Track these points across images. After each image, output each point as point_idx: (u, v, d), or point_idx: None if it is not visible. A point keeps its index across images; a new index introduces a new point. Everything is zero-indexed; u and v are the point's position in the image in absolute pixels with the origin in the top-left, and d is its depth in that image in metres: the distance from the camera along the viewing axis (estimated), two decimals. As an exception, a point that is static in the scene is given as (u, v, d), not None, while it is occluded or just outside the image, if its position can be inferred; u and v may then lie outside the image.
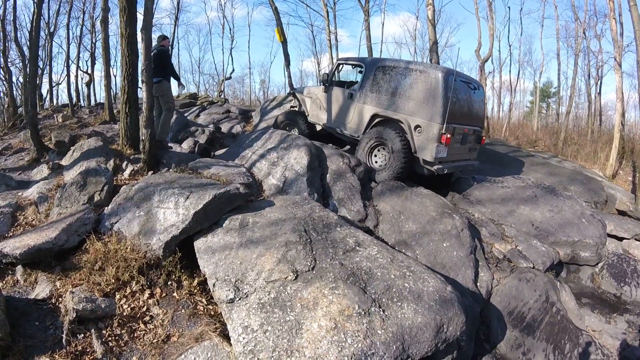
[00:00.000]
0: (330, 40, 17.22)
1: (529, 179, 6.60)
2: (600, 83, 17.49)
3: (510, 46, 24.11)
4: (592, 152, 11.76)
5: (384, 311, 2.68)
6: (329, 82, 6.80)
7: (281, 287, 2.81)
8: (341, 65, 7.14)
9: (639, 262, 5.54)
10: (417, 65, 5.68)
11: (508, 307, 4.25)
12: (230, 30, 32.43)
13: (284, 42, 13.05)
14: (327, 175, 5.49)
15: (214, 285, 2.99)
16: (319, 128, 7.35)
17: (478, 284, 4.36)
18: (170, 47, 6.54)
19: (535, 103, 24.23)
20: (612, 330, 4.72)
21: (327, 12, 16.81)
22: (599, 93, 17.62)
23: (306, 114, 7.37)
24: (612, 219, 6.52)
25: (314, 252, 3.17)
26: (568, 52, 20.83)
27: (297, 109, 7.71)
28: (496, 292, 4.40)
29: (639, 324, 4.85)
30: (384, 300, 2.77)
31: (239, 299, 2.79)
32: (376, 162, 5.89)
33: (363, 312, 2.60)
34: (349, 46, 60.90)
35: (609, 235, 5.93)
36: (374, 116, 5.92)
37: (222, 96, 18.88)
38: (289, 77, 13.94)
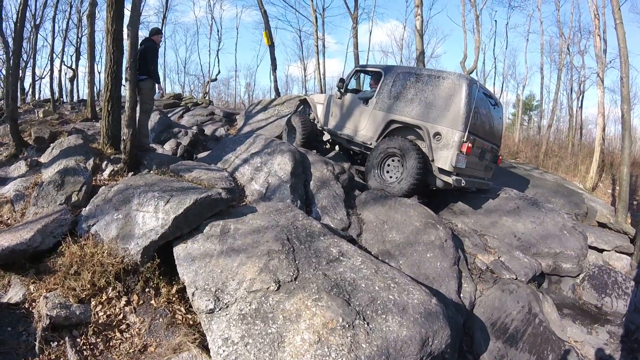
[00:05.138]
0: (317, 46, 17.24)
1: (512, 190, 6.66)
2: (582, 97, 18.00)
3: (495, 59, 24.53)
4: (572, 165, 12.01)
5: (368, 324, 2.62)
6: (344, 88, 6.68)
7: (263, 298, 2.72)
8: (359, 73, 7.07)
9: (619, 273, 5.61)
10: (439, 73, 5.59)
11: (491, 318, 4.24)
12: (218, 31, 32.18)
13: (272, 46, 13.06)
14: (311, 183, 5.41)
15: (193, 294, 2.88)
16: (326, 137, 7.22)
17: (461, 295, 4.35)
18: (160, 44, 6.28)
19: (517, 115, 24.73)
20: (593, 341, 4.78)
21: (316, 18, 16.83)
22: (581, 107, 18.14)
23: (315, 120, 7.26)
24: (592, 231, 6.64)
25: (296, 262, 3.09)
26: (551, 66, 21.38)
27: (297, 112, 7.64)
28: (479, 303, 4.40)
29: (620, 334, 4.94)
30: (368, 312, 2.71)
31: (219, 310, 2.69)
32: (388, 172, 5.70)
33: (347, 325, 2.53)
34: (335, 52, 61.48)
35: (590, 247, 6.01)
36: (390, 122, 5.76)
37: (207, 98, 18.64)
38: (275, 81, 14.01)
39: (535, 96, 29.34)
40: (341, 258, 3.27)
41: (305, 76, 28.78)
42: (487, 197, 6.30)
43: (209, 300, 2.76)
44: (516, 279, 4.82)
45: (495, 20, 33.61)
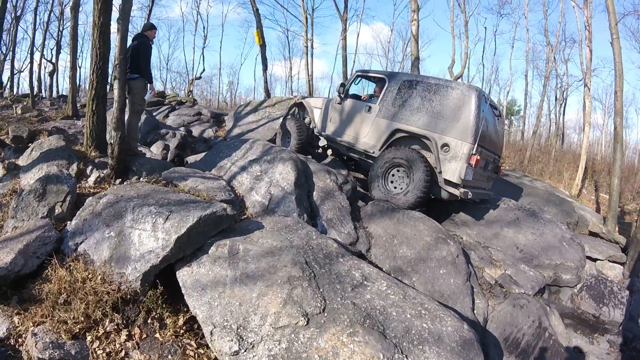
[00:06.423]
0: (307, 47, 16.95)
1: (511, 200, 6.63)
2: (565, 105, 18.54)
3: (483, 66, 25.15)
4: (556, 171, 12.24)
5: (407, 357, 2.40)
6: (344, 93, 6.42)
7: (292, 335, 2.43)
8: (359, 78, 6.79)
9: (614, 283, 5.68)
10: (447, 82, 5.47)
11: (504, 333, 4.20)
12: (204, 28, 30.97)
13: (263, 46, 12.67)
14: (314, 193, 5.11)
15: (211, 333, 2.53)
16: (322, 142, 6.97)
17: (475, 311, 4.24)
18: (154, 40, 5.82)
19: (500, 120, 25.08)
20: (597, 351, 4.91)
21: (306, 18, 16.54)
22: (563, 114, 18.66)
23: (312, 125, 6.99)
24: (586, 240, 6.71)
25: (321, 290, 2.80)
26: (534, 73, 21.91)
27: (290, 116, 7.34)
28: (492, 319, 4.36)
29: (619, 343, 5.05)
30: (404, 344, 2.49)
31: (245, 351, 2.36)
32: (392, 182, 5.52)
33: (388, 362, 2.30)
34: (321, 54, 61.49)
35: (584, 257, 6.05)
36: (395, 131, 5.57)
37: (191, 96, 17.98)
38: (265, 81, 13.67)
39: (517, 101, 30.07)
40: (365, 282, 3.02)
41: (291, 76, 28.39)
42: (488, 208, 6.22)
43: (232, 340, 2.42)
44: (524, 293, 4.76)
45: (485, 27, 34.04)
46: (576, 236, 6.31)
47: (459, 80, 11.74)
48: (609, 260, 6.42)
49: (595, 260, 6.43)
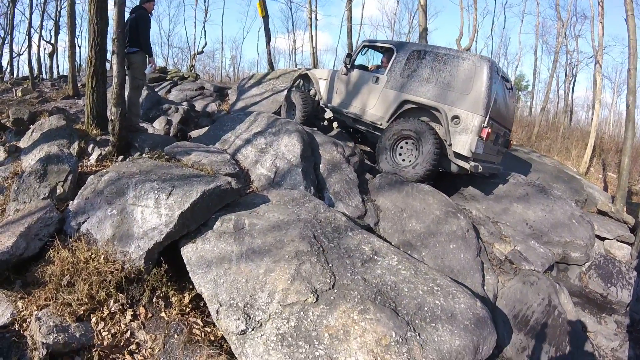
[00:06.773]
0: (311, 19, 16.53)
1: (520, 176, 6.49)
2: (574, 81, 18.13)
3: (492, 39, 24.44)
4: (563, 148, 12.05)
5: (419, 335, 2.33)
6: (351, 63, 6.25)
7: (302, 313, 2.35)
8: (366, 48, 6.58)
9: (622, 263, 5.61)
10: (458, 53, 5.29)
11: (513, 310, 4.16)
12: (205, 2, 30.13)
13: (266, 17, 12.37)
14: (321, 166, 5.01)
15: (217, 311, 2.46)
16: (327, 114, 6.86)
17: (485, 287, 4.19)
18: (152, 13, 5.60)
19: (507, 96, 24.60)
20: (605, 332, 4.86)
21: (310, -11, 16.12)
22: (572, 91, 18.28)
23: (317, 97, 6.85)
24: (595, 219, 6.59)
25: (330, 265, 2.71)
26: (543, 48, 21.35)
27: (294, 88, 7.20)
28: (501, 295, 4.33)
29: (627, 324, 4.99)
30: (417, 321, 2.41)
31: (253, 330, 2.29)
32: (400, 155, 5.40)
33: (400, 340, 2.22)
34: (325, 26, 60.12)
35: (593, 235, 5.95)
36: (403, 103, 5.42)
37: (193, 71, 17.66)
38: (269, 54, 13.41)
39: (525, 76, 29.46)
40: (375, 257, 2.94)
41: (295, 49, 27.85)
42: (497, 182, 6.11)
43: (239, 319, 2.35)
44: (534, 269, 4.69)
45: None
46: (586, 214, 6.21)
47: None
48: (617, 240, 6.28)
49: (603, 239, 6.30)
